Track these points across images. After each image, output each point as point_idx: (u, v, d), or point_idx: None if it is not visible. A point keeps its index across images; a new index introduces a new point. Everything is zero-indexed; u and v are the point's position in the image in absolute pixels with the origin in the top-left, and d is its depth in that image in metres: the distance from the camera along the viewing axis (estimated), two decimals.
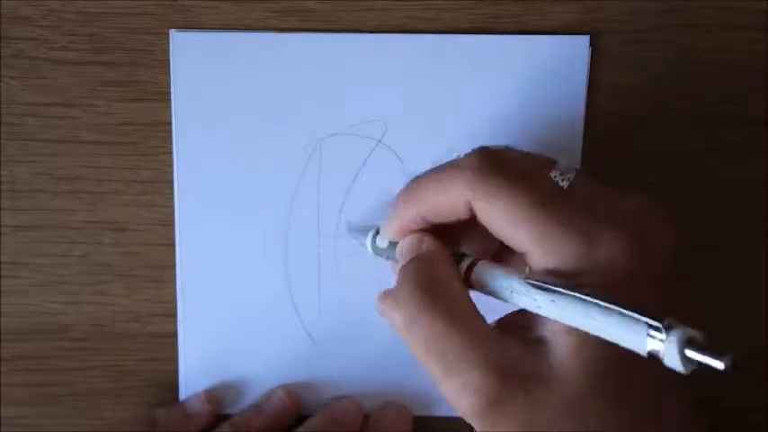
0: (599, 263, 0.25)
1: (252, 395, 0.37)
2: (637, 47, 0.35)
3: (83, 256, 0.37)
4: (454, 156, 0.29)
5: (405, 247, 0.29)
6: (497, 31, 0.35)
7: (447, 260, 0.28)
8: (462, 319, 0.26)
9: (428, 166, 0.35)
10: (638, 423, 0.25)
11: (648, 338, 0.22)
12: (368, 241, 0.32)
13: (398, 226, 0.30)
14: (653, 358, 0.22)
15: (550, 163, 0.28)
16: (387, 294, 0.28)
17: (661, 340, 0.22)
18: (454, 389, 0.25)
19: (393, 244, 0.31)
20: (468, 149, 0.29)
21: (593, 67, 0.35)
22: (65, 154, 0.36)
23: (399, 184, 0.35)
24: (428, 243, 0.29)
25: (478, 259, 0.28)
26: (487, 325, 0.27)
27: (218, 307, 0.36)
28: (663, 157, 0.36)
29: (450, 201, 0.28)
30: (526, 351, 0.25)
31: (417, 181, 0.29)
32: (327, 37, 0.35)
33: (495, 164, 0.27)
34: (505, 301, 0.27)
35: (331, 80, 0.35)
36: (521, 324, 0.27)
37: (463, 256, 0.29)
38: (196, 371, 0.37)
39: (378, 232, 0.32)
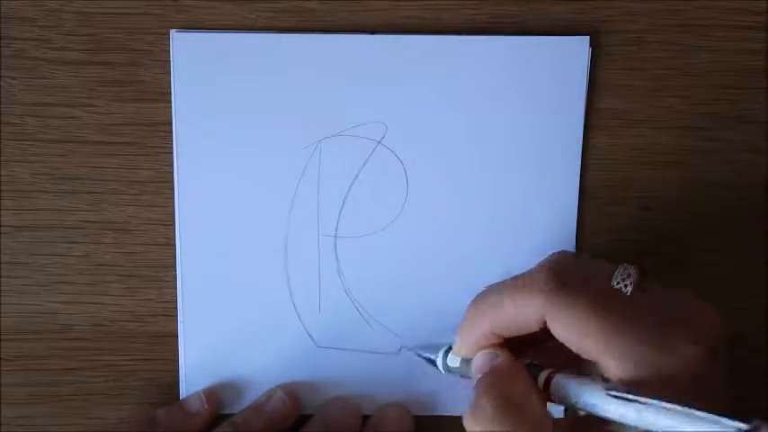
0: (675, 367, 0.26)
1: (252, 395, 0.37)
2: (637, 47, 0.35)
3: (83, 256, 0.37)
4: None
5: (478, 360, 0.30)
6: (497, 31, 0.35)
7: (524, 375, 0.29)
8: None
9: (428, 166, 0.35)
10: None
11: None
12: (439, 362, 0.33)
13: (470, 343, 0.30)
14: None
15: (611, 269, 0.28)
16: (470, 414, 0.28)
17: None
18: None
19: (465, 361, 0.31)
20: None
21: (593, 67, 0.35)
22: (65, 154, 0.36)
23: (399, 184, 0.36)
24: (503, 357, 0.29)
25: (555, 371, 0.28)
26: None
27: (218, 307, 0.36)
28: (663, 156, 0.36)
29: (523, 318, 0.29)
30: None
31: (485, 298, 0.30)
32: (327, 37, 0.35)
33: (563, 280, 0.28)
34: (588, 411, 0.27)
35: (331, 80, 0.35)
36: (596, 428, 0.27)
37: (538, 368, 0.29)
38: (196, 371, 0.37)
39: (447, 351, 0.33)
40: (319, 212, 0.36)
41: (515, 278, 0.29)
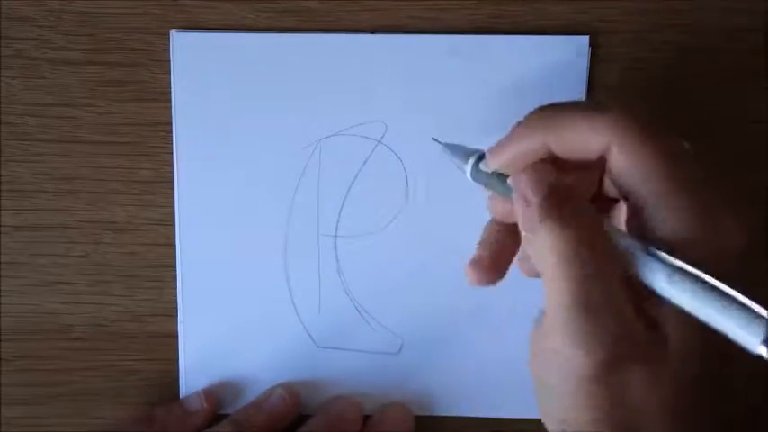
0: (717, 236, 0.25)
1: (251, 395, 0.37)
2: (637, 47, 0.35)
3: (83, 256, 0.37)
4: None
5: (536, 174, 0.26)
6: (497, 31, 0.35)
7: (590, 206, 0.26)
8: (612, 278, 0.25)
9: (428, 166, 0.35)
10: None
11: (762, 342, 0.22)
12: (468, 166, 0.29)
13: (513, 153, 0.27)
14: (759, 357, 0.22)
15: (676, 133, 0.27)
16: (531, 235, 0.26)
17: None
18: (588, 338, 0.24)
19: (499, 174, 0.28)
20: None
21: (593, 67, 0.35)
22: (65, 154, 0.36)
23: (399, 184, 0.36)
24: (563, 177, 0.26)
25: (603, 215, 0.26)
26: (625, 290, 0.25)
27: (218, 307, 0.36)
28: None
29: (587, 139, 0.26)
30: (649, 335, 0.25)
31: (548, 111, 0.27)
32: (327, 37, 0.35)
33: (639, 117, 0.26)
34: (623, 268, 0.25)
35: (331, 80, 0.35)
36: (646, 299, 0.25)
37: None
38: (196, 370, 0.37)
39: (480, 158, 0.29)
40: (319, 212, 0.36)
41: (580, 101, 0.28)
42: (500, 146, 0.28)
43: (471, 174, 0.29)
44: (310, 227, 0.36)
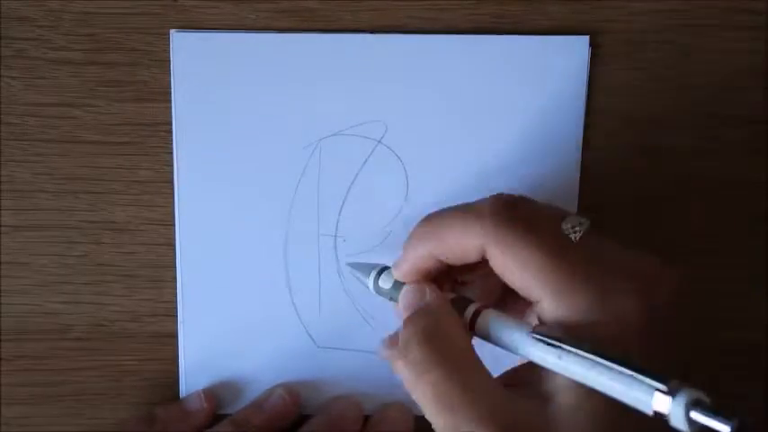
0: (610, 316, 0.25)
1: (251, 395, 0.37)
2: (637, 47, 0.35)
3: (83, 256, 0.37)
4: (465, 195, 0.30)
5: (408, 296, 0.29)
6: (497, 31, 0.35)
7: (451, 312, 0.28)
8: (468, 374, 0.26)
9: (428, 167, 0.35)
10: None
11: (655, 399, 0.22)
12: (370, 281, 0.32)
13: (409, 265, 0.30)
14: (658, 417, 0.22)
15: (562, 215, 0.28)
16: (393, 344, 0.28)
17: (667, 401, 0.22)
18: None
19: (397, 285, 0.31)
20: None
21: (593, 67, 0.35)
22: (65, 154, 0.36)
23: (399, 184, 0.36)
24: (432, 294, 0.29)
25: (483, 306, 0.28)
26: (493, 380, 0.27)
27: (218, 307, 0.36)
28: (663, 156, 0.36)
29: (463, 244, 0.28)
30: (532, 406, 0.26)
31: (430, 221, 0.29)
32: (327, 37, 0.35)
33: (510, 213, 0.27)
34: (510, 351, 0.27)
35: (331, 80, 0.35)
36: (527, 377, 0.27)
37: (466, 301, 0.29)
38: (196, 370, 0.37)
39: (381, 272, 0.32)
40: (319, 212, 0.36)
41: (462, 204, 0.29)
42: (398, 259, 0.30)
43: (373, 287, 0.32)
44: (310, 227, 0.36)
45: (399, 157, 0.36)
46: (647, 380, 0.23)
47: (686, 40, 0.35)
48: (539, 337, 0.25)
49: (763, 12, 0.35)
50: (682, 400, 0.22)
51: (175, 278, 0.36)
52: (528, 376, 0.27)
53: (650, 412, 0.23)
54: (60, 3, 0.35)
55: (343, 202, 0.36)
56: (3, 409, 0.37)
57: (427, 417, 0.26)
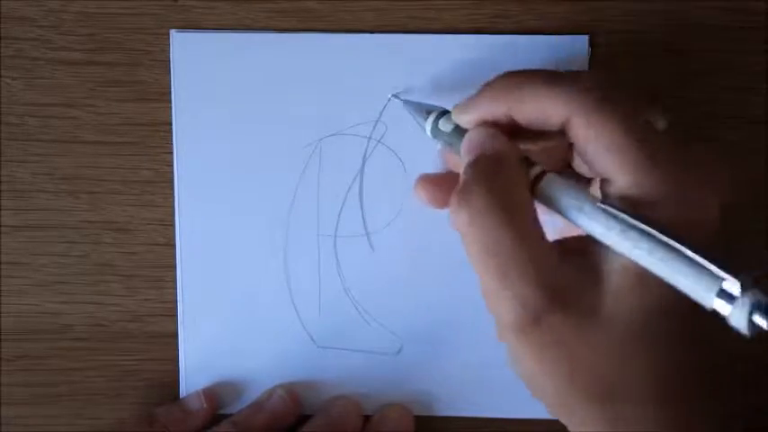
0: (683, 207, 0.24)
1: (251, 395, 0.37)
2: (637, 47, 0.35)
3: (83, 256, 0.37)
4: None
5: (476, 137, 0.27)
6: (497, 31, 0.35)
7: (518, 164, 0.27)
8: (526, 230, 0.25)
9: (428, 167, 0.35)
10: (678, 380, 0.24)
11: (717, 295, 0.21)
12: (428, 123, 0.30)
13: (478, 115, 0.28)
14: (715, 314, 0.21)
15: (647, 102, 0.27)
16: (456, 192, 0.26)
17: (731, 297, 0.21)
18: (502, 297, 0.25)
19: (458, 131, 0.29)
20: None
21: (593, 67, 0.35)
22: (65, 154, 0.36)
23: (399, 183, 0.36)
24: (501, 141, 0.27)
25: (548, 170, 0.26)
26: (548, 242, 0.25)
27: (218, 307, 0.36)
28: None
29: (547, 108, 0.26)
30: (582, 279, 0.25)
31: (514, 77, 0.28)
32: (327, 37, 0.35)
33: (599, 89, 0.26)
34: (570, 220, 0.25)
35: (331, 80, 0.35)
36: (580, 249, 0.25)
37: (530, 162, 0.27)
38: (196, 370, 0.37)
39: (441, 114, 0.30)
40: (319, 212, 0.36)
41: (546, 69, 0.27)
42: (466, 105, 0.29)
43: (431, 131, 0.30)
44: (310, 227, 0.36)
45: (399, 157, 0.36)
46: (717, 270, 0.21)
47: (686, 40, 0.35)
48: (605, 206, 0.24)
49: (762, 12, 0.35)
50: (748, 299, 0.20)
51: (175, 278, 0.36)
52: (582, 247, 0.25)
53: (709, 306, 0.21)
54: (60, 3, 0.35)
55: (343, 203, 0.36)
56: (3, 409, 0.37)
57: (473, 266, 0.25)
